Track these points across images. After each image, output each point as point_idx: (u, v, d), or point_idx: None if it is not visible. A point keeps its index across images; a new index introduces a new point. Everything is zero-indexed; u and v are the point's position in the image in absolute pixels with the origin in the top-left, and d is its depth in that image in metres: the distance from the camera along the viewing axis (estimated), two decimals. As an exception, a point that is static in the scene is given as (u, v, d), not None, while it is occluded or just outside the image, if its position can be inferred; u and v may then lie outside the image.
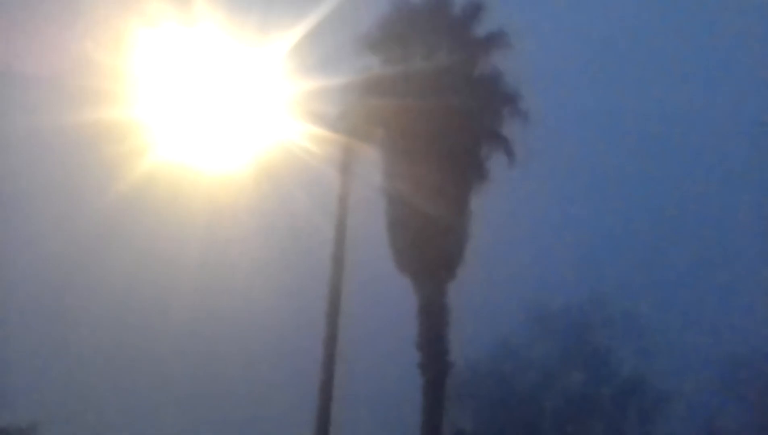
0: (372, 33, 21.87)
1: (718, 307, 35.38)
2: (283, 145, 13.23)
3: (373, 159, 21.54)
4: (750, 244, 35.34)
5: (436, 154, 21.46)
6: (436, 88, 21.49)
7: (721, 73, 35.64)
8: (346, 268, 12.58)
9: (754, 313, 35.18)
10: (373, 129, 21.56)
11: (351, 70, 20.72)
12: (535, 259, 34.31)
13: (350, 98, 20.48)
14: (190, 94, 13.06)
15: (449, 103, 21.69)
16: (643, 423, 38.46)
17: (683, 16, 33.64)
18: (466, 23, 22.42)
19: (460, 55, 22.01)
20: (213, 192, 13.67)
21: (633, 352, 38.89)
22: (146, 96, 12.91)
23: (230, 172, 13.43)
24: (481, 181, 22.48)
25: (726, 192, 35.77)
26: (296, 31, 13.66)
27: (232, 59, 13.08)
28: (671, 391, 37.41)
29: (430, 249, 21.20)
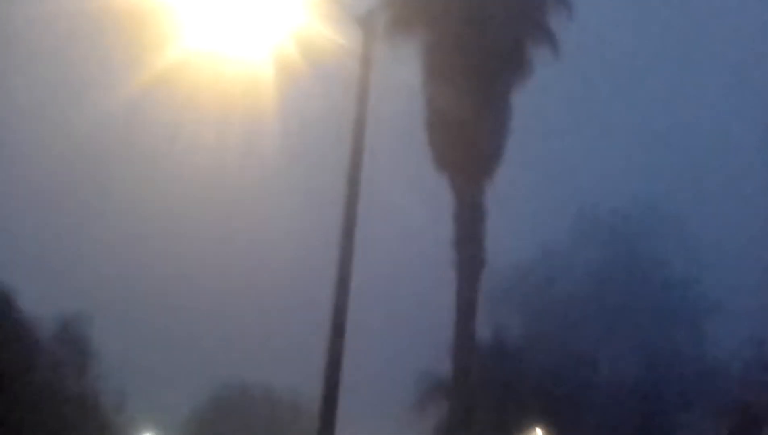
0: None
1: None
2: (308, 39, 12.68)
3: (411, 55, 21.03)
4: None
5: (476, 48, 20.77)
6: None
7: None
8: (364, 166, 12.15)
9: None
10: (410, 22, 20.96)
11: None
12: (581, 161, 33.57)
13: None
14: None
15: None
16: (692, 328, 38.16)
17: None
18: None
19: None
20: (233, 85, 13.33)
21: (682, 259, 38.32)
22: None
23: (255, 67, 12.97)
24: (524, 77, 21.77)
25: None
26: None
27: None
28: (721, 295, 36.93)
29: (467, 146, 20.74)
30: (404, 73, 20.42)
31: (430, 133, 21.10)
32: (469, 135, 20.81)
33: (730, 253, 35.02)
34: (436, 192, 20.72)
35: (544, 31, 21.86)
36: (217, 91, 13.89)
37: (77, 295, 27.94)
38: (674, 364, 36.12)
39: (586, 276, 38.27)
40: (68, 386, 27.96)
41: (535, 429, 32.50)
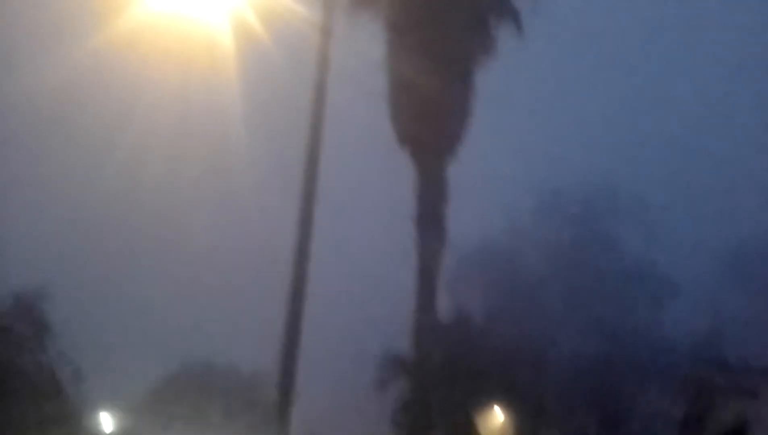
0: None
1: (728, 195, 34.85)
2: (267, 5, 12.51)
3: (374, 30, 20.85)
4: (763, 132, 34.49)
5: (440, 24, 20.66)
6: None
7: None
8: (323, 139, 12.03)
9: (763, 200, 34.66)
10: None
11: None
12: (545, 142, 33.64)
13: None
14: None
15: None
16: (650, 309, 38.64)
17: None
18: None
19: None
20: (193, 48, 13.12)
21: (642, 238, 38.73)
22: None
23: (215, 30, 12.77)
24: (488, 55, 21.68)
25: (737, 80, 34.74)
26: None
27: None
28: (679, 278, 37.42)
29: (430, 122, 20.63)
30: (367, 49, 20.27)
31: (392, 109, 20.97)
32: (431, 111, 20.72)
33: (688, 235, 35.44)
34: (399, 167, 20.61)
35: (508, 9, 21.79)
36: (179, 53, 13.67)
37: (35, 270, 27.47)
38: (632, 342, 36.55)
39: (547, 256, 38.54)
40: (23, 363, 27.57)
41: (493, 407, 32.73)
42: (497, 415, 32.83)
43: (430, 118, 20.73)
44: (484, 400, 32.47)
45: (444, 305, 25.07)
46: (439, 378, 23.77)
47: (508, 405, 32.72)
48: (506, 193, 34.35)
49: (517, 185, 34.66)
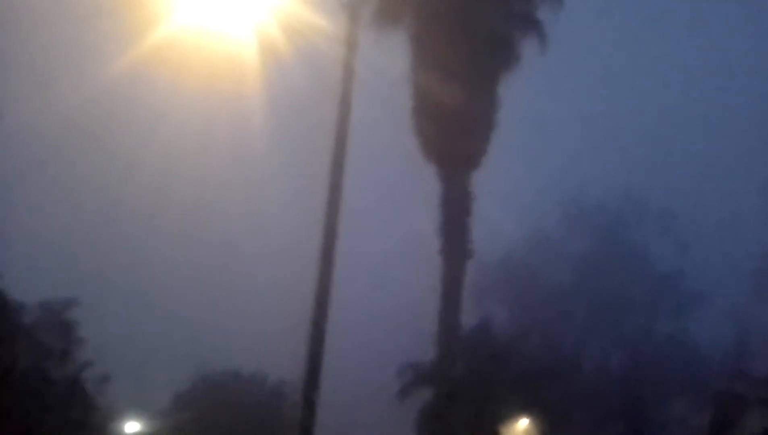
0: None
1: (754, 206, 34.63)
2: (292, 20, 12.69)
3: (398, 44, 21.00)
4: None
5: (465, 38, 20.76)
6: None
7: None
8: (348, 152, 12.19)
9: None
10: (398, 11, 20.94)
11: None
12: (569, 153, 33.63)
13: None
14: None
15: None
16: (676, 319, 38.47)
17: None
18: None
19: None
20: (218, 64, 13.32)
21: (667, 251, 38.60)
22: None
23: (240, 46, 12.97)
24: (511, 67, 21.78)
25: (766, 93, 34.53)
26: None
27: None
28: (705, 288, 37.23)
29: (455, 135, 20.74)
30: (392, 63, 20.41)
31: (417, 122, 21.11)
32: (456, 124, 20.83)
33: (714, 246, 35.27)
34: (423, 180, 20.76)
35: (532, 23, 21.89)
36: (205, 68, 13.89)
37: (63, 279, 27.86)
38: (658, 354, 36.39)
39: (572, 267, 38.49)
40: (51, 372, 27.92)
41: (520, 419, 32.68)
42: (521, 426, 32.78)
43: (455, 131, 20.84)
44: (508, 411, 32.43)
45: (468, 316, 25.17)
46: (462, 387, 23.84)
47: (533, 415, 32.66)
48: (532, 205, 34.37)
49: (543, 196, 34.66)
